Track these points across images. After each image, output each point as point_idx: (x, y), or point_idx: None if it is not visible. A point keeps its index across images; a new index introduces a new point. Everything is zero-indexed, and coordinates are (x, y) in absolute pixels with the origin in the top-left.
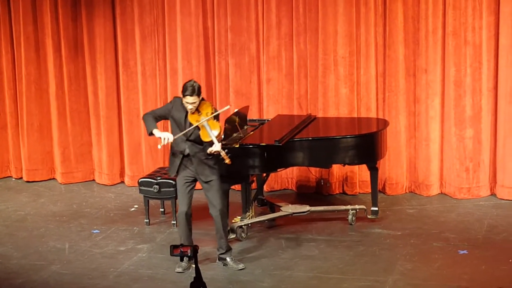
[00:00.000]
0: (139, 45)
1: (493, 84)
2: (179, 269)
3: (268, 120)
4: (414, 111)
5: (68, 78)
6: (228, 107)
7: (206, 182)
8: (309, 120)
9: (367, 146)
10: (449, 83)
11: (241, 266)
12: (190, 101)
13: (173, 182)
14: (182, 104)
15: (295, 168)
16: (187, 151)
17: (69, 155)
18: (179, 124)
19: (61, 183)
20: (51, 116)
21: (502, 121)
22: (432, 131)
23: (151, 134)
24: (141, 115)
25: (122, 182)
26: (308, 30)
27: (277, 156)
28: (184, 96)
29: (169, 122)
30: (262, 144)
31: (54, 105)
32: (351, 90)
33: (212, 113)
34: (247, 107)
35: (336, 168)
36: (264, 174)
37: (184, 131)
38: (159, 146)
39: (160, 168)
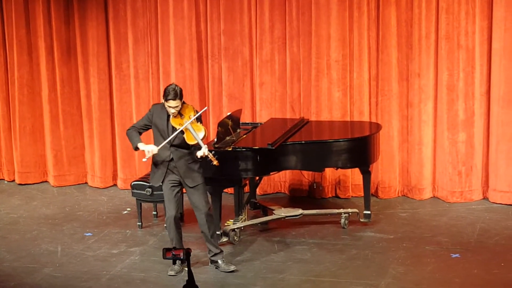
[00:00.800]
0: (132, 48)
1: (485, 89)
2: (172, 272)
3: (261, 124)
4: (407, 115)
5: (60, 81)
6: (205, 108)
7: (192, 187)
8: (302, 123)
9: (359, 149)
10: (442, 87)
11: (232, 267)
12: (173, 105)
13: None
14: (162, 109)
15: (288, 171)
16: (171, 156)
17: (62, 158)
18: (161, 131)
19: (53, 186)
20: (44, 119)
21: (495, 125)
22: (424, 135)
23: (136, 148)
24: (134, 119)
25: (115, 185)
26: (301, 34)
27: (270, 159)
28: (166, 100)
29: (151, 131)
30: (255, 147)
31: (46, 108)
32: (344, 94)
33: (195, 115)
34: (240, 111)
35: (329, 172)
36: (257, 178)
37: (167, 139)
38: (144, 160)
39: None
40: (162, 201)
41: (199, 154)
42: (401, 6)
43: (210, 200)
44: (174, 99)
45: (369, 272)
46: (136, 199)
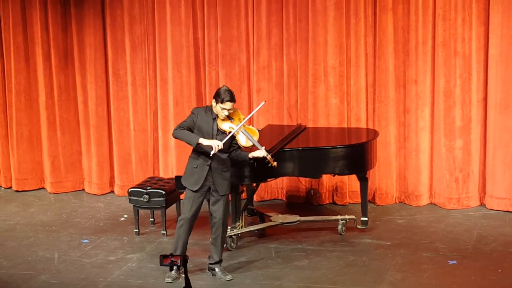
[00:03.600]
0: (129, 55)
1: (482, 95)
2: (169, 279)
3: (258, 130)
4: (404, 121)
5: (58, 88)
6: (263, 102)
7: (221, 196)
8: (299, 130)
9: (357, 156)
10: (439, 93)
11: (228, 277)
12: (229, 107)
13: (163, 192)
14: (207, 112)
15: (285, 178)
16: (210, 162)
17: (59, 164)
18: (206, 134)
19: (50, 193)
20: (41, 126)
21: (492, 132)
22: (421, 141)
23: (198, 144)
24: (131, 125)
25: (112, 191)
26: (298, 40)
27: (267, 166)
28: (223, 102)
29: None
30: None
31: (44, 115)
32: (341, 101)
33: (244, 118)
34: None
35: (326, 178)
36: (254, 184)
37: (228, 136)
38: (211, 153)
39: (150, 177)
40: (159, 208)
41: (258, 154)
42: (398, 13)
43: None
44: (231, 101)
45: (366, 278)
46: (133, 205)
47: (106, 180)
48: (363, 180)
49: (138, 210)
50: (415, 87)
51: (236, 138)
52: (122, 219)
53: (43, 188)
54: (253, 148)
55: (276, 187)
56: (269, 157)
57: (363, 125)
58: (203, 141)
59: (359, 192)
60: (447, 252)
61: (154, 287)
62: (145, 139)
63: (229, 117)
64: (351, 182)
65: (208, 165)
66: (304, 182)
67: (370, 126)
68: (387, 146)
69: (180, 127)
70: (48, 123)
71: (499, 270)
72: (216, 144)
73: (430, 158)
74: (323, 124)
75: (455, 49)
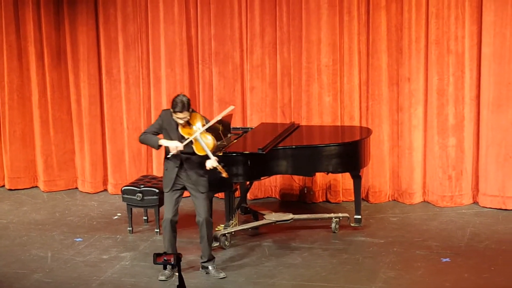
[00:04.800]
0: (122, 53)
1: (475, 93)
2: (162, 278)
3: (251, 129)
4: (397, 119)
5: (51, 86)
6: (232, 107)
7: (200, 193)
8: (293, 128)
9: (350, 154)
10: (432, 92)
11: (222, 275)
12: (180, 117)
13: (156, 191)
14: (172, 115)
15: (278, 176)
16: (180, 163)
17: (52, 163)
18: (173, 136)
19: (43, 191)
20: (34, 124)
21: (485, 130)
22: (415, 139)
23: (159, 146)
24: (125, 124)
25: (105, 190)
26: (292, 39)
27: (260, 164)
28: (174, 112)
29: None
30: (245, 152)
31: (36, 113)
32: (334, 99)
33: (203, 125)
34: (230, 115)
35: (320, 176)
36: (248, 182)
37: (188, 139)
38: (169, 155)
39: (143, 176)
40: (153, 206)
41: (208, 165)
42: (391, 11)
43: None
44: (181, 111)
45: (360, 276)
46: (127, 204)
47: (99, 179)
48: (357, 178)
49: (131, 209)
50: (408, 85)
51: (193, 144)
52: (116, 217)
53: (36, 186)
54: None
55: (269, 185)
56: (219, 167)
57: (356, 123)
58: (164, 142)
59: (352, 190)
60: (440, 249)
61: (148, 286)
62: (138, 137)
63: (188, 123)
64: (345, 180)
65: (177, 166)
66: (297, 180)
67: (364, 124)
68: (381, 144)
69: (145, 132)
70: (41, 122)
71: (492, 268)
72: (175, 145)
73: (423, 156)
74: (317, 122)
75: (448, 47)
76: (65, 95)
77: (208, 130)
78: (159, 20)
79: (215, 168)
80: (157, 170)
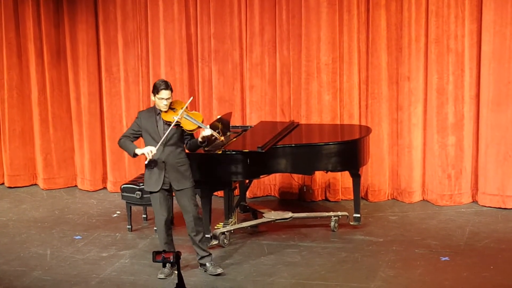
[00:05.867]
0: (122, 51)
1: (475, 92)
2: (162, 276)
3: (251, 127)
4: (396, 118)
5: (50, 84)
6: (191, 98)
7: (179, 190)
8: (292, 126)
9: (349, 153)
10: (432, 90)
11: (219, 270)
12: (165, 96)
13: None
14: (149, 112)
15: (278, 174)
16: (163, 159)
17: (51, 161)
18: (153, 133)
19: (43, 189)
20: (33, 122)
21: (484, 129)
22: (414, 138)
23: (134, 155)
24: (124, 122)
25: (105, 188)
26: (291, 37)
27: (260, 162)
28: (158, 92)
29: (142, 139)
30: (245, 150)
31: (36, 111)
32: (334, 97)
33: (185, 104)
34: (230, 114)
35: (319, 175)
36: (247, 181)
37: (164, 136)
38: (146, 162)
39: (143, 174)
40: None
41: (205, 134)
42: (390, 9)
43: (199, 203)
44: (166, 89)
45: (359, 275)
46: (126, 202)
47: (98, 177)
48: (356, 177)
49: (130, 207)
50: (408, 83)
51: (181, 125)
52: (115, 215)
53: (36, 184)
54: (199, 131)
55: (269, 184)
56: (215, 133)
57: (355, 121)
58: (138, 151)
59: (351, 189)
60: (439, 248)
61: (147, 284)
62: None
63: (171, 108)
64: (344, 178)
65: (163, 161)
66: (296, 179)
67: (363, 123)
68: (380, 142)
69: (123, 136)
70: (41, 120)
71: (491, 267)
72: (148, 151)
73: (422, 154)
74: (316, 121)
75: (448, 46)
76: (65, 93)
77: (211, 127)
78: (159, 18)
79: (211, 137)
80: None
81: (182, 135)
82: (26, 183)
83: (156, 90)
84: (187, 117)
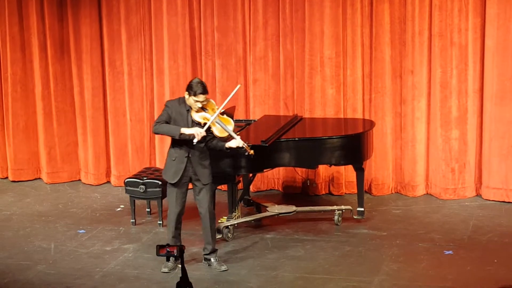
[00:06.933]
0: (125, 45)
1: (479, 86)
2: (165, 269)
3: (254, 121)
4: (400, 112)
5: (54, 78)
6: (238, 86)
7: (198, 184)
8: (296, 120)
9: (353, 146)
10: (435, 84)
11: (224, 267)
12: (202, 99)
13: (159, 182)
14: (180, 104)
15: (281, 168)
16: (188, 153)
17: (55, 155)
18: (183, 126)
19: (47, 183)
20: (37, 116)
21: (488, 122)
22: (418, 132)
23: (180, 134)
24: (127, 116)
25: (108, 182)
26: (295, 31)
27: (263, 156)
28: (196, 94)
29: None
30: (248, 144)
31: (40, 105)
32: (337, 91)
33: (214, 108)
34: (233, 108)
35: (322, 169)
36: (250, 175)
37: (208, 123)
38: (195, 141)
39: (146, 168)
40: (156, 198)
41: (233, 144)
42: (394, 3)
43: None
44: (203, 93)
45: (363, 269)
46: (130, 196)
47: (102, 171)
48: (360, 171)
49: (134, 201)
50: (412, 77)
51: (211, 129)
52: (119, 209)
53: (40, 178)
54: (229, 138)
55: (272, 178)
56: (245, 145)
57: (359, 115)
58: (185, 130)
59: (355, 183)
60: (443, 242)
61: (151, 277)
62: (142, 129)
63: (203, 108)
64: (348, 172)
65: (186, 156)
66: (300, 173)
67: (367, 117)
68: (384, 136)
69: (158, 122)
70: (44, 114)
71: (495, 261)
72: (198, 132)
73: (426, 148)
74: (320, 115)
75: (452, 39)
76: (68, 87)
77: (223, 113)
78: (162, 11)
79: (239, 148)
80: (160, 162)
81: (206, 134)
82: (30, 177)
83: (192, 91)
84: (219, 123)
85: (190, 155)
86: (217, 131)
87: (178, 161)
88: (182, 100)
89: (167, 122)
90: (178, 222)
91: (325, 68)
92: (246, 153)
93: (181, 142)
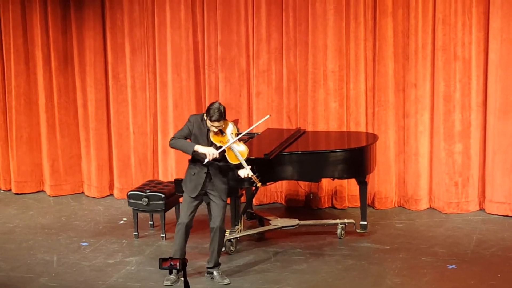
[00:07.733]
0: (129, 58)
1: (482, 99)
2: (168, 282)
3: (257, 134)
4: (403, 125)
5: (57, 91)
6: (268, 116)
7: (222, 201)
8: (299, 134)
9: (356, 160)
10: (439, 98)
11: (226, 281)
12: (216, 125)
13: (162, 195)
14: (202, 120)
15: (284, 181)
16: (207, 169)
17: (58, 167)
18: (202, 143)
19: (50, 196)
20: (41, 129)
21: (491, 136)
22: (421, 145)
23: (194, 152)
24: (131, 128)
25: (111, 194)
26: (298, 44)
27: (266, 169)
28: (212, 121)
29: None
30: (251, 157)
31: (43, 118)
32: (340, 105)
33: (237, 134)
34: (236, 121)
35: (325, 182)
36: (253, 188)
37: (222, 148)
38: (205, 162)
39: (149, 181)
40: (159, 211)
41: (243, 174)
42: (397, 17)
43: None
44: (218, 121)
45: (366, 283)
46: (133, 209)
47: (105, 183)
48: (363, 184)
49: (137, 213)
50: (415, 91)
51: (224, 153)
52: (121, 222)
53: (43, 191)
54: (240, 166)
55: (275, 191)
56: (254, 177)
57: (362, 129)
58: (199, 148)
59: (358, 196)
60: (446, 256)
61: None
62: (145, 142)
63: (221, 131)
64: (351, 186)
65: (205, 172)
66: (303, 186)
67: (370, 130)
68: (387, 150)
69: (175, 137)
70: (48, 126)
71: (499, 275)
72: (211, 152)
73: (429, 162)
74: (323, 128)
75: (455, 53)
76: (72, 100)
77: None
78: (166, 25)
79: (248, 178)
80: (163, 175)
81: (223, 153)
82: (33, 189)
83: (209, 116)
84: (234, 150)
85: (210, 171)
86: (230, 157)
87: (197, 176)
88: (204, 117)
89: (185, 138)
90: (185, 233)
91: (328, 82)
92: (254, 184)
93: (199, 158)
